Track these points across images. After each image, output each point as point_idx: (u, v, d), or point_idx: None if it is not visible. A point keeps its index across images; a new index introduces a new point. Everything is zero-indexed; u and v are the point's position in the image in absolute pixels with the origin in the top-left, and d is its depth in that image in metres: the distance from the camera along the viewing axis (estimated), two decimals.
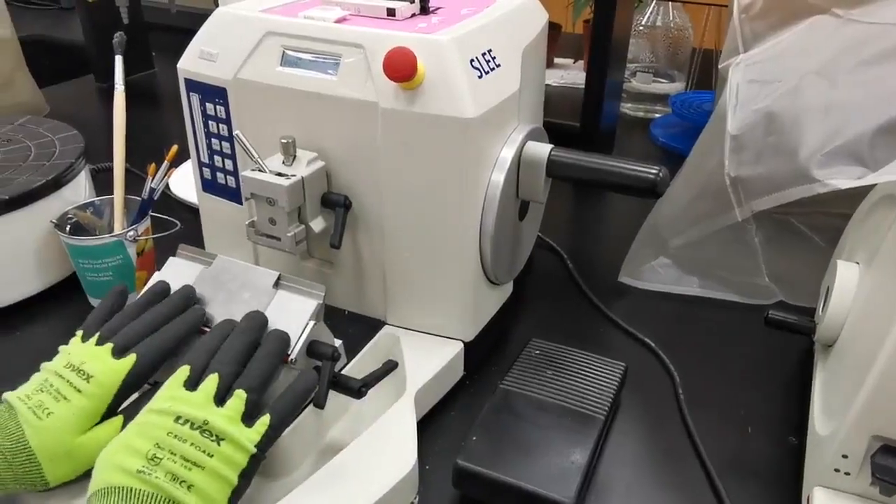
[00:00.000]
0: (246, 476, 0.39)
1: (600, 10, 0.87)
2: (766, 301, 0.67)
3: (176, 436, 0.38)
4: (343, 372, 0.51)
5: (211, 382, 0.41)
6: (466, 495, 0.48)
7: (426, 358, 0.55)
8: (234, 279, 0.50)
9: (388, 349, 0.57)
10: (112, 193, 0.66)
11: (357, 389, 0.48)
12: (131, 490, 0.36)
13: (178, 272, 0.51)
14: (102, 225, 0.67)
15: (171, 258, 0.52)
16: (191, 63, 0.56)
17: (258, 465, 0.40)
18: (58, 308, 0.67)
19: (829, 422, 0.42)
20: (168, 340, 0.45)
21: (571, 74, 1.33)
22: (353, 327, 0.58)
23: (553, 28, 1.39)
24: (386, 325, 0.58)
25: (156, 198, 0.65)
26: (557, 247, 0.78)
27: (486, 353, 0.61)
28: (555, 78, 1.34)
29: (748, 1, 0.54)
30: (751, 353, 0.63)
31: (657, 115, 1.16)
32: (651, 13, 1.15)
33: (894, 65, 0.45)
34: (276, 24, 0.53)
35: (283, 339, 0.45)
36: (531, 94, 0.59)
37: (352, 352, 0.54)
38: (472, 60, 0.50)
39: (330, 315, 0.56)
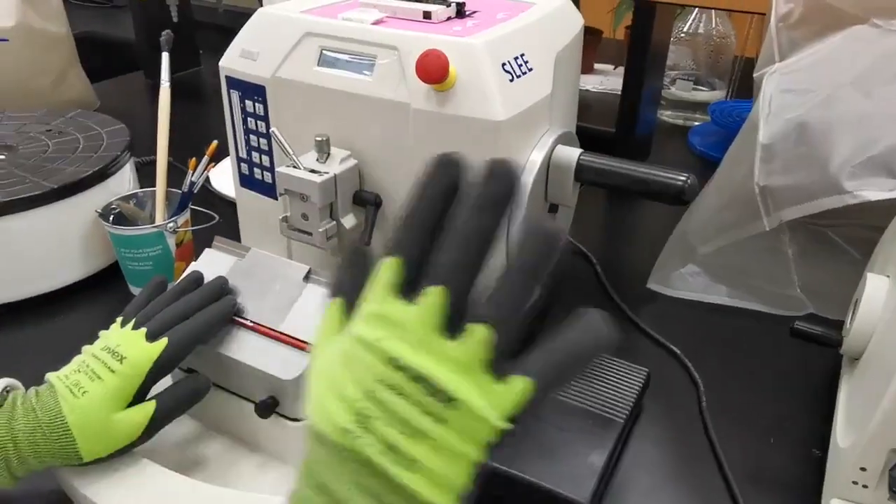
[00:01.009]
0: (493, 449, 0.29)
1: (639, 17, 0.87)
2: (797, 313, 0.66)
3: (391, 386, 0.27)
4: None
5: (435, 297, 0.28)
6: (485, 492, 0.49)
7: None
8: (266, 271, 0.51)
9: None
10: (155, 186, 0.69)
11: None
12: (342, 449, 0.27)
13: (213, 263, 0.53)
14: (145, 216, 0.69)
15: (206, 249, 0.54)
16: (232, 61, 0.58)
17: (503, 437, 0.29)
18: (100, 294, 0.70)
19: (849, 434, 0.41)
20: (199, 326, 0.47)
21: (611, 80, 1.33)
22: None
23: (594, 34, 1.39)
24: None
25: (195, 191, 0.67)
26: (587, 251, 0.78)
27: (511, 356, 0.62)
28: (594, 83, 1.34)
29: (786, 10, 0.53)
30: (778, 364, 0.62)
31: (696, 123, 1.15)
32: (693, 20, 1.14)
33: None
34: (315, 24, 0.55)
35: (555, 236, 0.30)
36: (564, 99, 0.60)
37: None
38: (503, 64, 0.50)
39: None
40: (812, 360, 0.60)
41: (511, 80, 0.51)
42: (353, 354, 0.29)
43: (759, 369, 0.62)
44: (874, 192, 0.45)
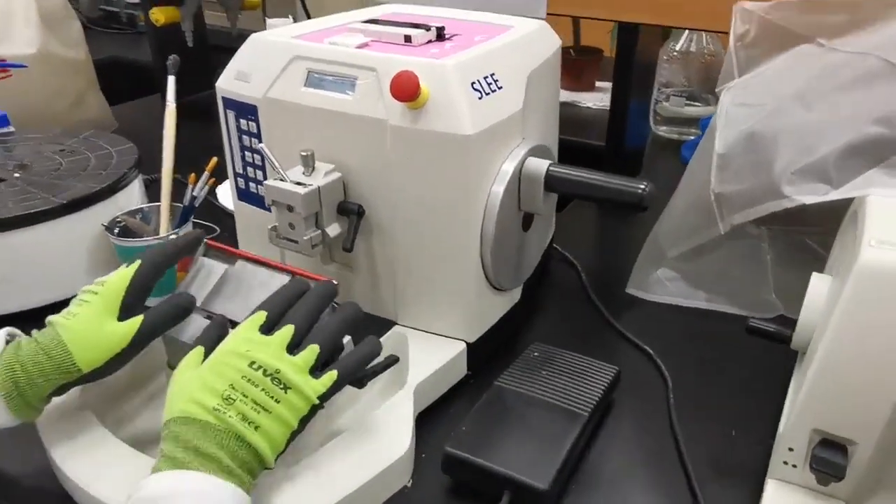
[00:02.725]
0: (304, 421, 0.45)
1: (622, 36, 0.91)
2: (769, 314, 0.68)
3: (249, 380, 0.44)
4: None
5: (286, 332, 0.46)
6: (455, 480, 0.52)
7: (429, 355, 0.59)
8: (254, 277, 0.55)
9: (396, 347, 0.61)
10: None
11: (359, 379, 0.52)
12: (208, 424, 0.42)
13: (206, 270, 0.57)
14: (149, 230, 0.74)
15: (201, 258, 0.58)
16: (228, 83, 0.63)
17: (315, 413, 0.46)
18: None
19: (786, 420, 0.44)
20: (170, 249, 0.53)
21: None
22: (367, 326, 0.62)
23: (594, 53, 1.42)
24: (396, 325, 0.63)
25: (196, 205, 0.72)
26: (573, 259, 0.81)
27: (492, 355, 0.65)
28: (594, 100, 1.37)
29: (742, 30, 0.57)
30: (747, 363, 0.65)
31: (690, 138, 1.19)
32: (685, 40, 1.18)
33: (863, 90, 0.48)
34: (303, 48, 0.59)
35: (357, 309, 0.51)
36: (538, 115, 0.63)
37: None
38: (472, 83, 0.54)
39: None
40: (776, 359, 0.63)
41: (480, 98, 0.54)
42: (223, 361, 0.45)
43: (727, 367, 0.64)
44: (809, 196, 0.48)
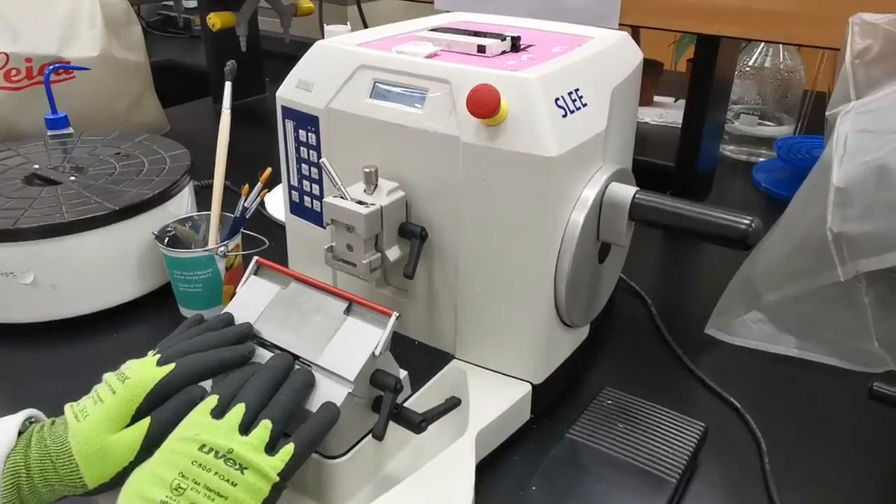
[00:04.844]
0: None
1: (702, 50, 0.85)
2: (874, 369, 0.61)
3: (200, 464, 0.39)
4: (406, 404, 0.50)
5: (237, 411, 0.42)
6: None
7: (491, 397, 0.54)
8: (308, 302, 0.51)
9: (454, 384, 0.56)
10: (211, 210, 0.70)
11: (417, 424, 0.47)
12: None
13: (256, 290, 0.52)
14: (198, 239, 0.71)
15: (252, 277, 0.54)
16: (289, 91, 0.59)
17: (280, 493, 0.41)
18: (153, 314, 0.71)
19: None
20: (210, 362, 0.46)
21: (671, 113, 1.31)
22: (422, 358, 0.57)
23: (654, 66, 1.36)
24: (454, 360, 0.58)
25: (247, 217, 0.68)
26: (642, 291, 0.75)
27: (556, 398, 0.59)
28: (653, 116, 1.31)
29: (863, 46, 0.50)
30: (853, 425, 0.57)
31: (761, 159, 1.11)
32: (759, 54, 1.11)
33: None
34: (369, 57, 0.55)
35: (308, 374, 0.46)
36: (619, 135, 0.58)
37: (418, 383, 0.54)
38: (556, 99, 0.49)
39: (400, 344, 0.56)
40: (890, 422, 0.56)
41: (564, 116, 0.49)
42: (171, 449, 0.41)
43: (831, 430, 0.57)
44: None
